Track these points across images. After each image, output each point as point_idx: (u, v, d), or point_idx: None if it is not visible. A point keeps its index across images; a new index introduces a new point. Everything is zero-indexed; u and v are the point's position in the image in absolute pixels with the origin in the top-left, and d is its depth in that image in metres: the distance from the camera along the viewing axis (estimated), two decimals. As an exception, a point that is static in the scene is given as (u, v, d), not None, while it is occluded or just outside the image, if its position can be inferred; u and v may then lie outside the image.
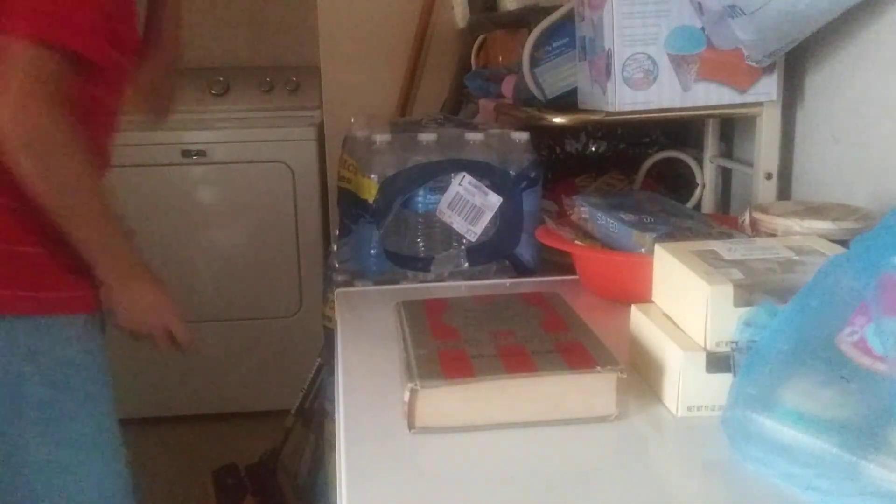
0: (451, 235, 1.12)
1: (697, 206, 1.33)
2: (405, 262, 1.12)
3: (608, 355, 0.65)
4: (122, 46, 1.04)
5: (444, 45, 2.19)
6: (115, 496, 1.13)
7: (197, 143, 2.53)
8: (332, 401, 1.31)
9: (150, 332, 1.17)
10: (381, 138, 1.13)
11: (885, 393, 0.51)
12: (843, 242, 0.73)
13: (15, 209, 1.00)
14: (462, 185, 1.11)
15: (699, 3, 1.01)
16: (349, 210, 1.15)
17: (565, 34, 1.19)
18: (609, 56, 1.04)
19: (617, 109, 1.05)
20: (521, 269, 1.15)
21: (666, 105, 1.05)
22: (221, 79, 2.88)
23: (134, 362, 2.61)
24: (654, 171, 1.39)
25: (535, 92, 1.21)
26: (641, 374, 0.72)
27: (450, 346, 0.68)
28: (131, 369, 2.60)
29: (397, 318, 0.78)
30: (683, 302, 0.69)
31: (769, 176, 1.11)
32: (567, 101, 1.19)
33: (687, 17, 1.03)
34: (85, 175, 1.02)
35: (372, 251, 1.11)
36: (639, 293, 0.77)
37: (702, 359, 0.64)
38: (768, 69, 1.04)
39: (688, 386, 0.65)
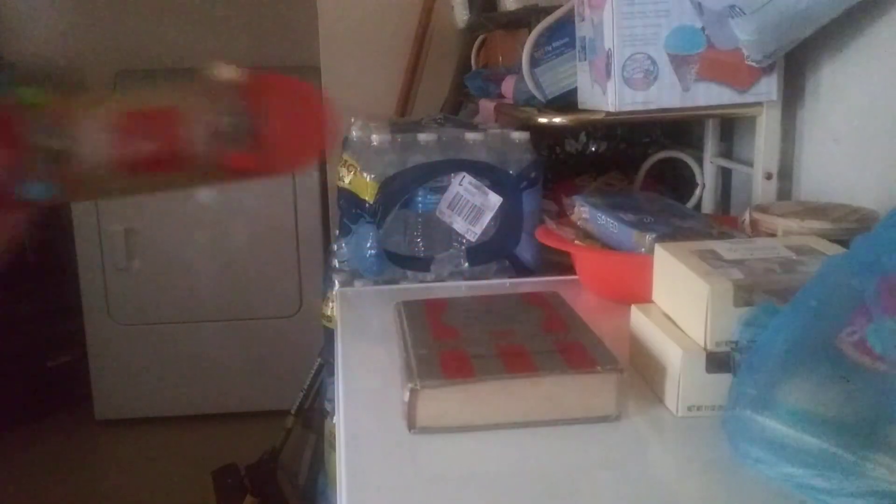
0: (451, 235, 1.12)
1: (697, 206, 1.33)
2: (405, 262, 1.12)
3: (608, 355, 0.65)
4: None
5: (444, 45, 2.19)
6: None
7: (197, 143, 2.53)
8: (332, 401, 1.31)
9: None
10: (380, 138, 1.13)
11: (885, 393, 0.51)
12: (843, 242, 0.73)
13: None
14: (462, 185, 1.11)
15: (699, 3, 1.01)
16: (349, 210, 1.15)
17: (565, 34, 1.19)
18: (609, 56, 1.04)
19: (617, 109, 1.05)
20: (521, 269, 1.15)
21: (666, 105, 1.05)
22: (221, 79, 2.87)
23: (135, 362, 2.62)
24: (654, 171, 1.39)
25: (535, 92, 1.21)
26: (641, 374, 0.72)
27: (450, 346, 0.68)
28: (132, 369, 2.61)
29: (397, 318, 0.78)
30: (683, 302, 0.69)
31: (769, 176, 1.11)
32: (567, 101, 1.19)
33: (687, 17, 1.02)
34: None
35: (372, 251, 1.11)
36: (639, 293, 0.77)
37: (702, 359, 0.64)
38: (768, 69, 1.04)
39: (688, 386, 0.65)
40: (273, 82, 0.33)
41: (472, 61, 1.99)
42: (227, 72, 0.33)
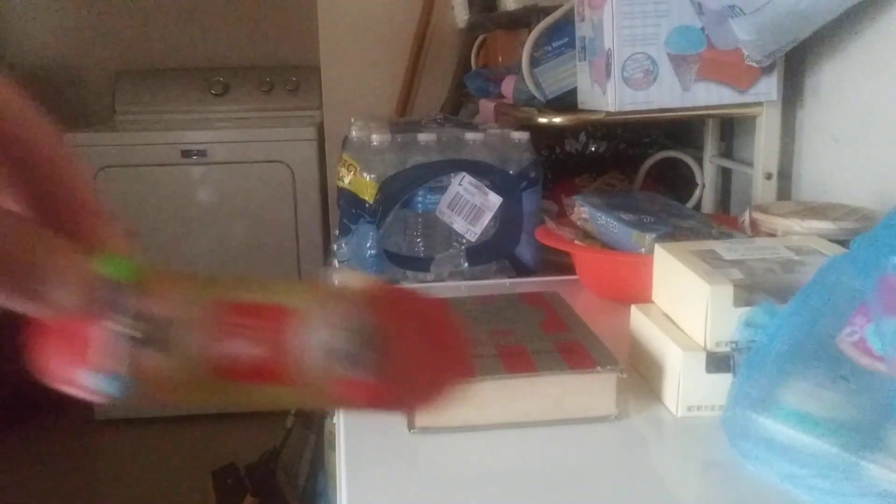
0: (451, 235, 1.12)
1: (697, 206, 1.33)
2: (405, 262, 1.12)
3: (608, 355, 0.65)
4: None
5: (444, 45, 2.19)
6: None
7: (197, 143, 2.53)
8: (332, 401, 1.31)
9: None
10: (380, 138, 1.13)
11: (885, 393, 0.51)
12: (843, 242, 0.73)
13: None
14: (462, 185, 1.11)
15: (699, 3, 1.01)
16: (349, 210, 1.15)
17: (565, 34, 1.19)
18: (609, 56, 1.04)
19: (617, 109, 1.05)
20: (521, 269, 1.15)
21: (666, 105, 1.05)
22: (221, 79, 2.88)
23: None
24: (654, 171, 1.39)
25: (535, 92, 1.21)
26: (641, 374, 0.72)
27: (450, 346, 0.68)
28: (131, 369, 2.61)
29: (397, 318, 0.78)
30: (683, 302, 0.69)
31: (769, 176, 1.11)
32: (567, 101, 1.19)
33: (687, 16, 1.03)
34: None
35: (371, 251, 1.11)
36: (639, 293, 0.77)
37: (702, 359, 0.64)
38: (768, 69, 1.04)
39: (688, 386, 0.65)
40: (404, 300, 0.27)
41: (472, 61, 1.99)
42: (354, 281, 0.26)
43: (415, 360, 0.26)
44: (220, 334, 0.26)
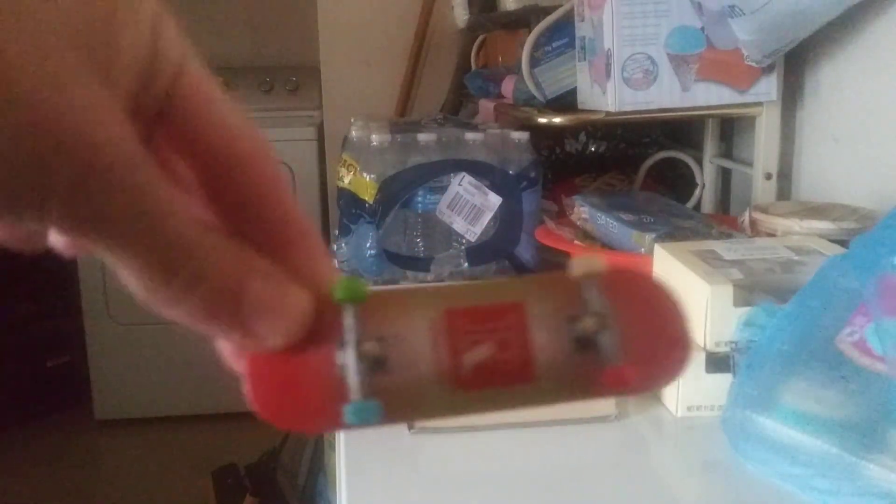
0: (451, 235, 1.12)
1: (697, 206, 1.33)
2: (405, 263, 1.12)
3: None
4: None
5: (444, 45, 2.19)
6: None
7: (197, 143, 2.52)
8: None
9: None
10: (380, 138, 1.13)
11: (885, 393, 0.51)
12: (843, 242, 0.73)
13: None
14: (462, 185, 1.11)
15: (699, 3, 1.01)
16: (348, 210, 1.15)
17: (565, 34, 1.19)
18: (609, 56, 1.04)
19: (617, 109, 1.05)
20: (521, 269, 1.15)
21: (666, 105, 1.05)
22: (221, 79, 2.87)
23: (135, 362, 2.62)
24: (654, 171, 1.39)
25: (535, 92, 1.21)
26: (641, 374, 0.72)
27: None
28: (132, 369, 2.61)
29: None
30: (683, 302, 0.69)
31: (769, 176, 1.11)
32: (567, 101, 1.19)
33: (687, 17, 1.02)
34: None
35: (371, 251, 1.11)
36: (639, 293, 0.76)
37: (702, 359, 0.64)
38: (768, 69, 1.04)
39: (687, 386, 0.65)
40: (631, 278, 0.27)
41: (472, 61, 1.99)
42: (586, 265, 0.26)
43: (649, 338, 0.26)
44: (457, 344, 0.25)
